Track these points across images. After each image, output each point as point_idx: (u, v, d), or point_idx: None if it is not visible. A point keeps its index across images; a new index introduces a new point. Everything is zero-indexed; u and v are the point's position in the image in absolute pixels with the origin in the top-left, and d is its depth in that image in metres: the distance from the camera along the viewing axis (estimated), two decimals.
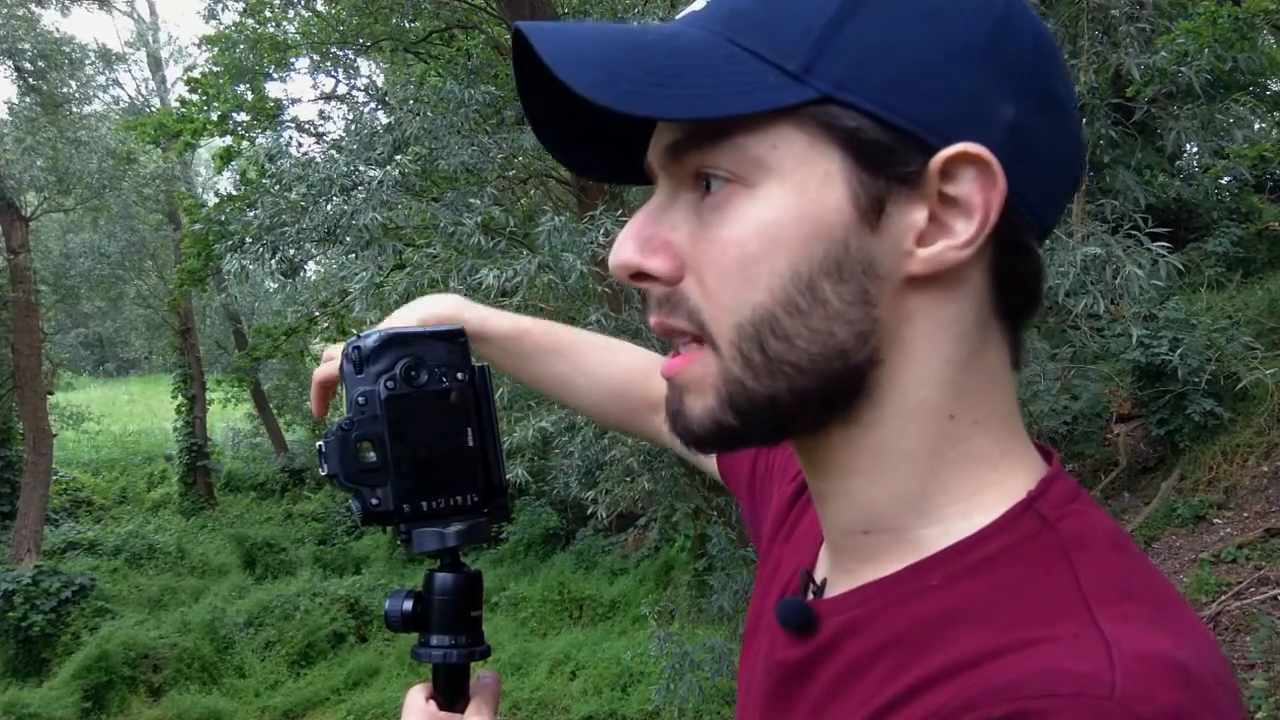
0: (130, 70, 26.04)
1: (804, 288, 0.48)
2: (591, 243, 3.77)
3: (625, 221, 0.53)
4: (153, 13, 21.89)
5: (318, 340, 12.27)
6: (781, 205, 0.47)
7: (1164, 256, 2.73)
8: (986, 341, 0.51)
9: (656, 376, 0.84)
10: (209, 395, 17.84)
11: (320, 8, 11.01)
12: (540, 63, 0.47)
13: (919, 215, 0.47)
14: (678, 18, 0.53)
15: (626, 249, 0.52)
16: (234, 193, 9.29)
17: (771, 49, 0.47)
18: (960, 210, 0.47)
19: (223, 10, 11.59)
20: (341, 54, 10.45)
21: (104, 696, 9.68)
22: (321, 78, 11.30)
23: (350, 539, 14.34)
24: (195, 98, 10.75)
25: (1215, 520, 5.94)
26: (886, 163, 0.46)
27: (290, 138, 11.68)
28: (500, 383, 3.98)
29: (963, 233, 0.47)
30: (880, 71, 0.46)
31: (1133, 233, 2.79)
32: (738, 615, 4.85)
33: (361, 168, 5.30)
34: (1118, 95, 3.56)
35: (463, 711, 0.72)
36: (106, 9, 15.58)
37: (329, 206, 5.02)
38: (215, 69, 10.78)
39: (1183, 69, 3.08)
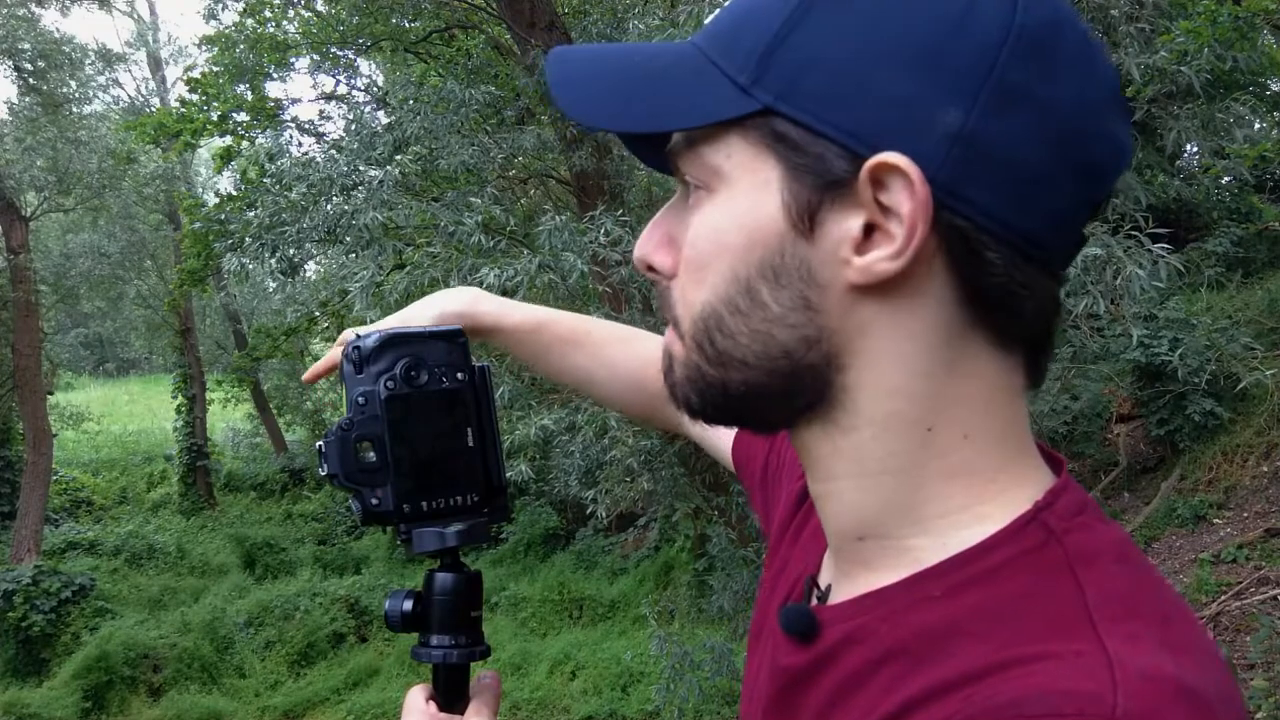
0: (130, 70, 26.16)
1: (742, 290, 0.50)
2: (592, 242, 3.77)
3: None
4: (153, 13, 21.87)
5: (318, 340, 12.30)
6: (726, 211, 0.51)
7: (1164, 257, 2.72)
8: (965, 356, 0.49)
9: None
10: (209, 395, 17.84)
11: (320, 8, 11.00)
12: None
13: (854, 224, 0.47)
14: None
15: (641, 242, 0.56)
16: (234, 192, 9.29)
17: (729, 62, 0.50)
18: (897, 220, 0.46)
19: (223, 10, 11.59)
20: (341, 54, 10.43)
21: (104, 696, 9.69)
22: (321, 78, 11.27)
23: (350, 539, 14.34)
24: (195, 98, 10.74)
25: (1215, 520, 5.94)
26: (814, 172, 0.47)
27: (290, 137, 11.70)
28: (500, 382, 3.98)
29: (897, 243, 0.47)
30: (813, 82, 0.47)
31: (1133, 233, 2.79)
32: (738, 615, 4.85)
33: (362, 167, 5.30)
34: None
35: (463, 712, 0.72)
36: (106, 9, 15.58)
37: (329, 206, 5.02)
38: (215, 69, 10.76)
39: (1183, 69, 3.07)
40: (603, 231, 3.77)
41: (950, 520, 0.50)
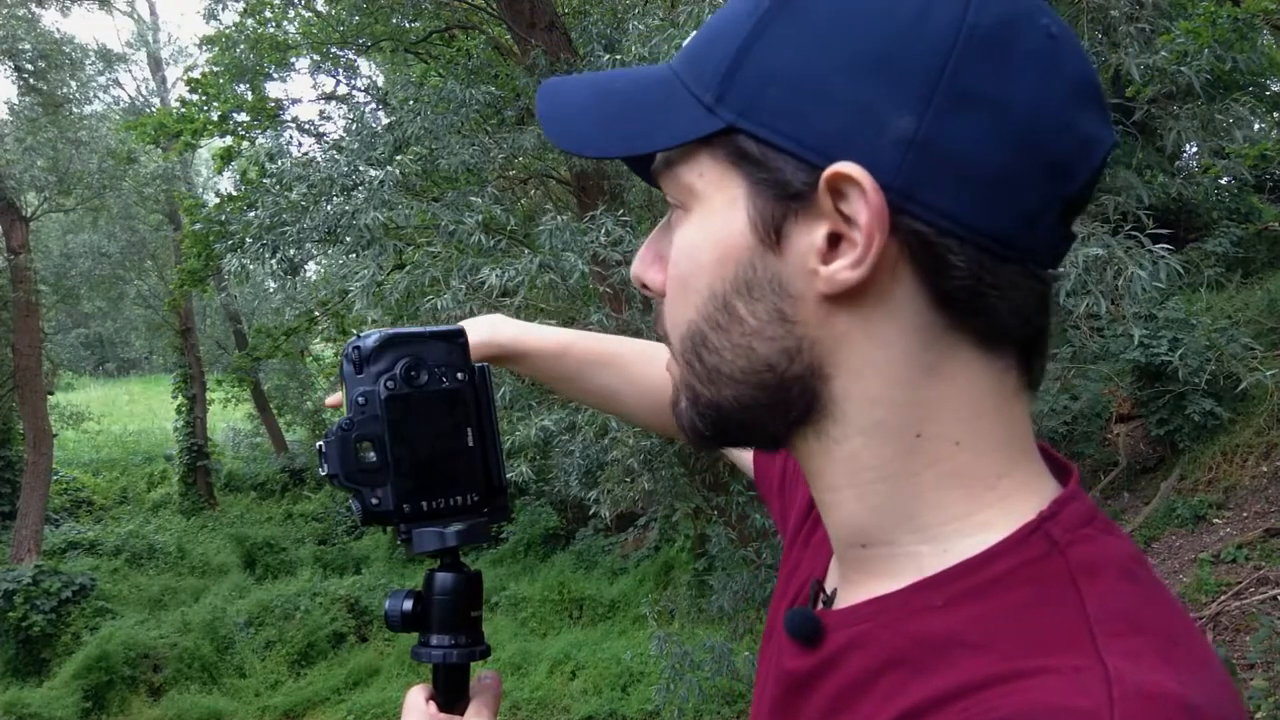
0: (130, 70, 26.16)
1: (720, 306, 0.51)
2: (592, 243, 3.77)
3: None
4: (153, 13, 21.88)
5: (318, 340, 12.30)
6: (701, 229, 0.52)
7: (1164, 258, 2.72)
8: (946, 359, 0.49)
9: None
10: (209, 395, 17.84)
11: (320, 8, 11.00)
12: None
13: (818, 235, 0.47)
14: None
15: (636, 261, 0.58)
16: (234, 193, 9.29)
17: (698, 83, 0.51)
18: (858, 229, 0.46)
19: (223, 10, 11.58)
20: (341, 54, 10.43)
21: (104, 696, 9.69)
22: (321, 78, 11.27)
23: (350, 539, 14.34)
24: (195, 98, 10.75)
25: (1215, 520, 5.94)
26: (775, 185, 0.48)
27: (290, 138, 11.70)
28: (500, 382, 3.98)
29: (858, 251, 0.47)
30: (772, 96, 0.47)
31: (1134, 233, 2.79)
32: (738, 615, 4.86)
33: (362, 167, 5.31)
34: (1118, 95, 3.56)
35: (463, 712, 0.72)
36: (106, 9, 15.56)
37: (330, 206, 5.03)
38: (215, 69, 10.77)
39: (1182, 69, 3.07)
40: (603, 232, 3.76)
41: (952, 528, 0.50)
